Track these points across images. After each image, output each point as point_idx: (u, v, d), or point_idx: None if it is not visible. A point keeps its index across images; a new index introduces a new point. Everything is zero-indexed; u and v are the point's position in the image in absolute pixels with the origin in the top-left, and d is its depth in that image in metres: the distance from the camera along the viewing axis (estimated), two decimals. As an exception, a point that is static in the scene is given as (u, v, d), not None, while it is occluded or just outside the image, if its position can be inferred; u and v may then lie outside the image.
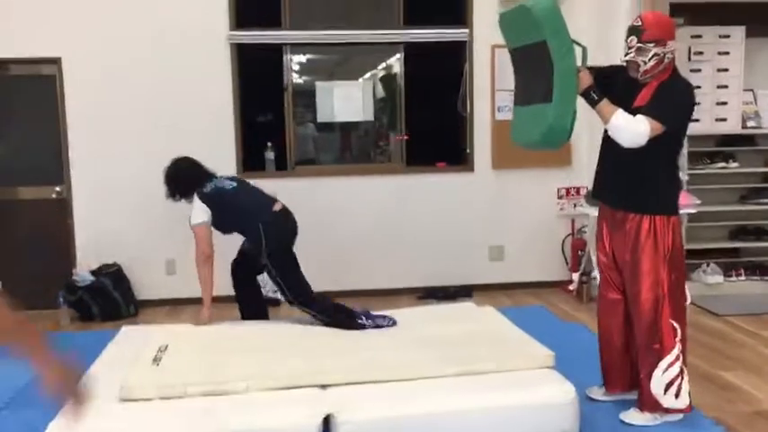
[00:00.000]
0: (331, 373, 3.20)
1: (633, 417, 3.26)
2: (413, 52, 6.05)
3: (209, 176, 4.25)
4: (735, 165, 5.90)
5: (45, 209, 5.73)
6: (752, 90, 5.97)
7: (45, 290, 5.49)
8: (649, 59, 3.09)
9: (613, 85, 3.24)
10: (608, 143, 3.26)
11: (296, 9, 5.87)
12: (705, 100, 5.65)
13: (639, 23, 3.12)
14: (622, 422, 3.26)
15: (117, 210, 5.67)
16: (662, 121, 3.05)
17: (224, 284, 5.28)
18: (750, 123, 5.93)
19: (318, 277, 4.94)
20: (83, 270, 5.56)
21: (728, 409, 3.43)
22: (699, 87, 5.62)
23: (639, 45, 3.09)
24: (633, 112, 3.11)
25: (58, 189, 5.73)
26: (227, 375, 3.17)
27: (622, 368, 3.44)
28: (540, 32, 3.06)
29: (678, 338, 3.20)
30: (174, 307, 5.51)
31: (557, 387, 3.06)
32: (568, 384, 3.07)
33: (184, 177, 4.23)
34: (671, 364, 3.18)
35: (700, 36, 5.77)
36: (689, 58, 5.72)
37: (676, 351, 3.19)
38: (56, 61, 5.58)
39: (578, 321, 5.11)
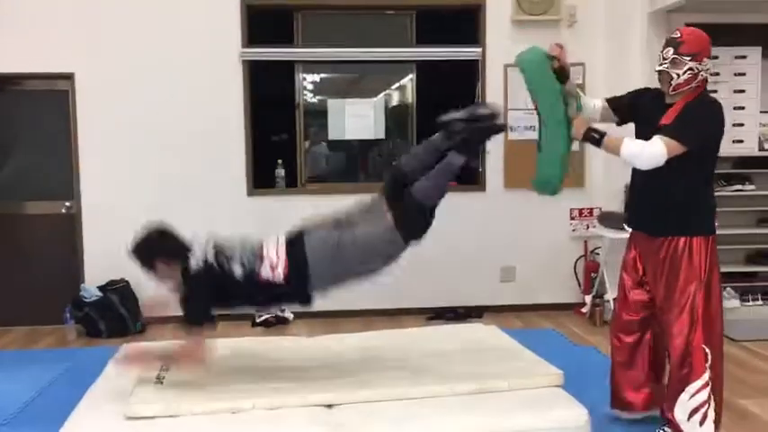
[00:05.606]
0: (338, 391, 3.12)
1: None
2: (425, 71, 6.03)
3: None
4: (751, 187, 5.82)
5: (54, 224, 5.73)
6: (769, 112, 5.89)
7: (52, 305, 5.48)
8: (683, 73, 3.04)
9: (639, 107, 3.24)
10: (637, 172, 3.25)
11: (308, 27, 5.88)
12: (721, 121, 5.57)
13: (678, 35, 3.07)
14: None
15: (126, 226, 5.57)
16: (680, 140, 2.99)
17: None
18: (767, 145, 5.85)
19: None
20: (90, 286, 5.53)
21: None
22: (715, 108, 5.58)
23: (675, 57, 3.04)
24: (660, 130, 3.07)
25: (67, 204, 5.72)
26: (232, 394, 3.10)
27: (627, 386, 3.45)
28: (528, 84, 3.16)
29: (708, 364, 3.12)
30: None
31: (570, 411, 2.97)
32: (581, 407, 2.98)
33: None
34: (698, 390, 3.11)
35: (716, 57, 5.65)
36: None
37: (706, 377, 3.11)
38: (69, 77, 5.59)
39: (591, 345, 5.01)
